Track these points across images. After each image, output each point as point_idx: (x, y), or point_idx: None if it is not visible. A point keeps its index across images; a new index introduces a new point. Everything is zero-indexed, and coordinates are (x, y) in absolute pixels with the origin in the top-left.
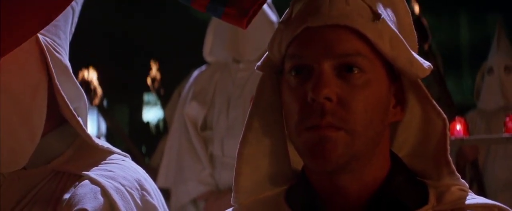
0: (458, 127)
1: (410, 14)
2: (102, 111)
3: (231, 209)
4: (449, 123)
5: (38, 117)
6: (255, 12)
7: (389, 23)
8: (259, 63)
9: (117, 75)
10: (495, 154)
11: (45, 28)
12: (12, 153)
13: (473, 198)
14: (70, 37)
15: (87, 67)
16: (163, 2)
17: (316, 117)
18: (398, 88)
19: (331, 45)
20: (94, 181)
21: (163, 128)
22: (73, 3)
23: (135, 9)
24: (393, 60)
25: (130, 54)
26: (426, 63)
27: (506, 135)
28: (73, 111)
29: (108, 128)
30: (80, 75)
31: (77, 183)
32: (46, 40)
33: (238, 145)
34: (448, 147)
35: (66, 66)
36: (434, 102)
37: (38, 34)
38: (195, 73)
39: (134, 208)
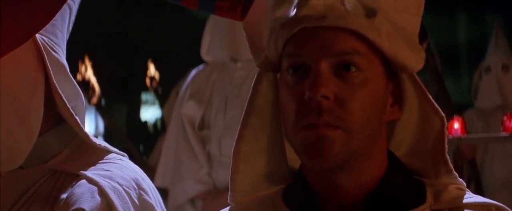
0: (456, 125)
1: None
2: (100, 110)
3: (227, 208)
4: (447, 122)
5: (35, 116)
6: (249, 2)
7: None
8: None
9: (115, 74)
10: (493, 153)
11: None
12: (9, 152)
13: (470, 197)
14: (67, 36)
15: (85, 66)
16: (162, 2)
17: (313, 115)
18: (395, 85)
19: (329, 44)
20: (91, 181)
21: (161, 127)
22: (70, 1)
23: (135, 9)
24: (394, 55)
25: (128, 53)
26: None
27: (504, 134)
28: (71, 110)
29: (106, 127)
30: (78, 74)
31: (74, 183)
32: (43, 39)
33: (234, 143)
34: (446, 146)
35: (63, 65)
36: (432, 100)
37: None
38: (193, 72)
39: (132, 207)
